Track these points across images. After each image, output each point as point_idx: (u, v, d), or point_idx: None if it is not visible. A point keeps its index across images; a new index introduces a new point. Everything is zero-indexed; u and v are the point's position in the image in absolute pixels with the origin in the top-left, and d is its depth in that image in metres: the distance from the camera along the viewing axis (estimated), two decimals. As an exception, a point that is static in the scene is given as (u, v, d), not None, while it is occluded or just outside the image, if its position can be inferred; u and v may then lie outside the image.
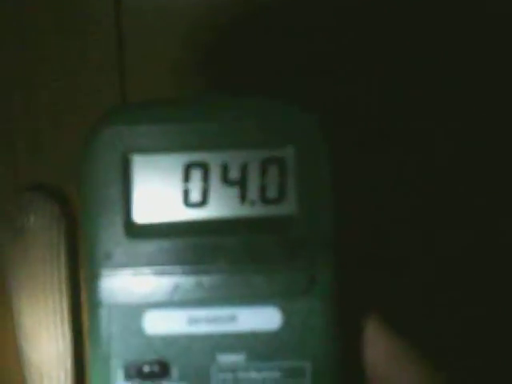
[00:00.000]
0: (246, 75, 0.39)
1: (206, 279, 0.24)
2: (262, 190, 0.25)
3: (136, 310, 0.24)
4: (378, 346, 0.24)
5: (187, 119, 0.24)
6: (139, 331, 0.24)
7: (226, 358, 0.24)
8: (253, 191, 0.24)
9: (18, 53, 0.42)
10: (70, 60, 0.42)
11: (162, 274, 0.24)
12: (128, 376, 0.24)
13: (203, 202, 0.24)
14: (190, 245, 0.24)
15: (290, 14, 0.40)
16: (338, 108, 0.37)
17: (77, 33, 0.42)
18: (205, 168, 0.24)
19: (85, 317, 0.43)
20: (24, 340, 0.43)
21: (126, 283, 0.24)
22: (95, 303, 0.24)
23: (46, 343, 0.42)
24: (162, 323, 0.24)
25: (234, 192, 0.24)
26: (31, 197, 0.43)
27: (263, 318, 0.24)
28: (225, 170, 0.24)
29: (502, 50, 0.39)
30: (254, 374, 0.24)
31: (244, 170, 0.24)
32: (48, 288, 0.42)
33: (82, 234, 0.24)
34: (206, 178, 0.24)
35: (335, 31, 0.39)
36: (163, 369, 0.24)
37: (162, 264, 0.24)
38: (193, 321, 0.24)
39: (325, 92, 0.38)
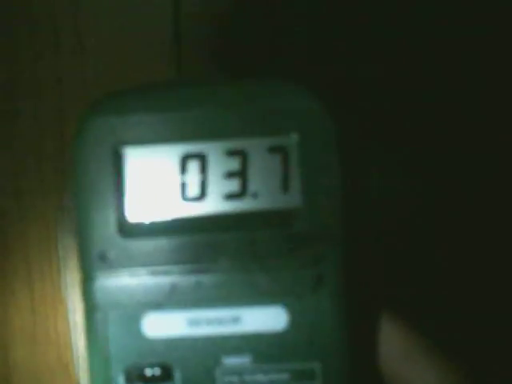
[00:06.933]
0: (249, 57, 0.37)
1: (205, 278, 0.22)
2: (265, 181, 0.23)
3: (134, 313, 0.23)
4: (393, 344, 0.23)
5: (183, 106, 0.23)
6: (138, 334, 0.23)
7: (232, 361, 0.23)
8: (254, 183, 0.23)
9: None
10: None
11: (159, 274, 0.23)
12: (129, 380, 0.23)
13: (202, 196, 0.23)
14: (188, 242, 0.22)
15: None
16: (344, 93, 0.34)
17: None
18: (203, 159, 0.23)
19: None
20: (73, 330, 0.43)
21: (122, 285, 0.22)
22: (91, 306, 0.23)
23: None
24: (162, 325, 0.23)
25: (234, 184, 0.23)
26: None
27: (268, 318, 0.22)
28: (224, 160, 0.23)
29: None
30: (260, 377, 0.23)
31: (245, 160, 0.23)
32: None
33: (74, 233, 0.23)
34: (204, 170, 0.23)
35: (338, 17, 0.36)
36: (166, 372, 0.23)
37: (159, 264, 0.22)
38: (193, 322, 0.23)
39: (329, 77, 0.35)
